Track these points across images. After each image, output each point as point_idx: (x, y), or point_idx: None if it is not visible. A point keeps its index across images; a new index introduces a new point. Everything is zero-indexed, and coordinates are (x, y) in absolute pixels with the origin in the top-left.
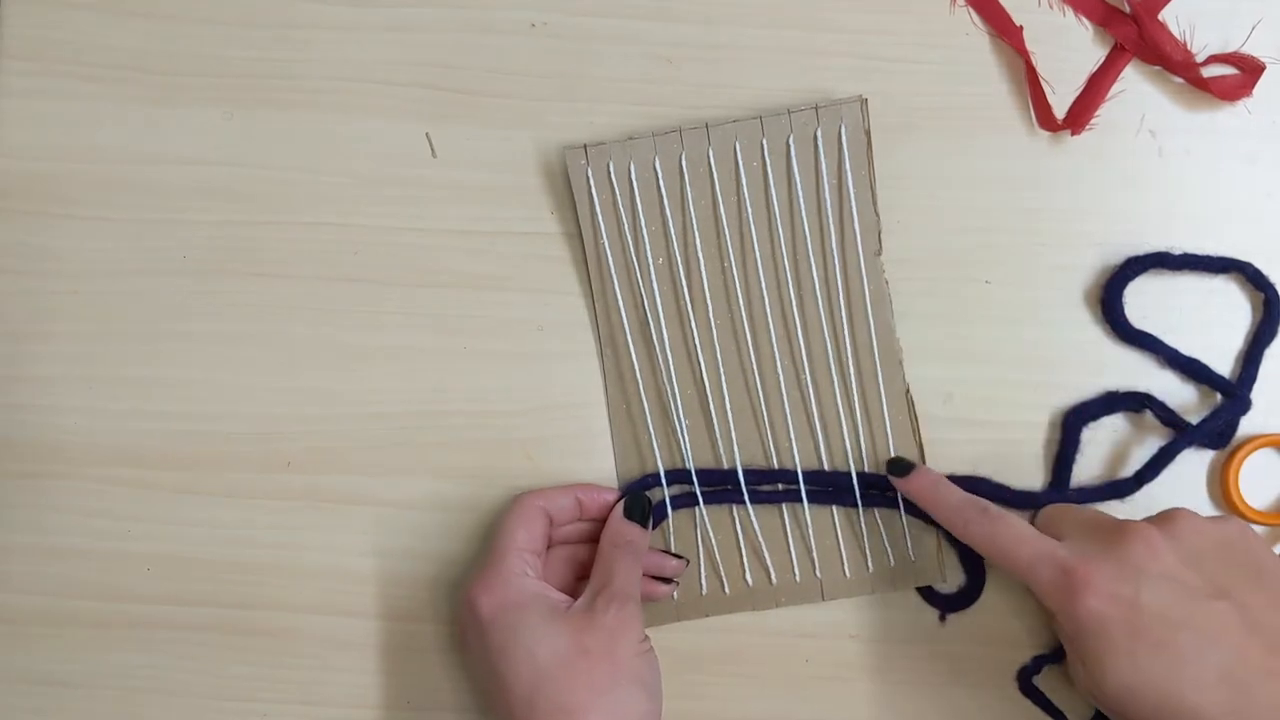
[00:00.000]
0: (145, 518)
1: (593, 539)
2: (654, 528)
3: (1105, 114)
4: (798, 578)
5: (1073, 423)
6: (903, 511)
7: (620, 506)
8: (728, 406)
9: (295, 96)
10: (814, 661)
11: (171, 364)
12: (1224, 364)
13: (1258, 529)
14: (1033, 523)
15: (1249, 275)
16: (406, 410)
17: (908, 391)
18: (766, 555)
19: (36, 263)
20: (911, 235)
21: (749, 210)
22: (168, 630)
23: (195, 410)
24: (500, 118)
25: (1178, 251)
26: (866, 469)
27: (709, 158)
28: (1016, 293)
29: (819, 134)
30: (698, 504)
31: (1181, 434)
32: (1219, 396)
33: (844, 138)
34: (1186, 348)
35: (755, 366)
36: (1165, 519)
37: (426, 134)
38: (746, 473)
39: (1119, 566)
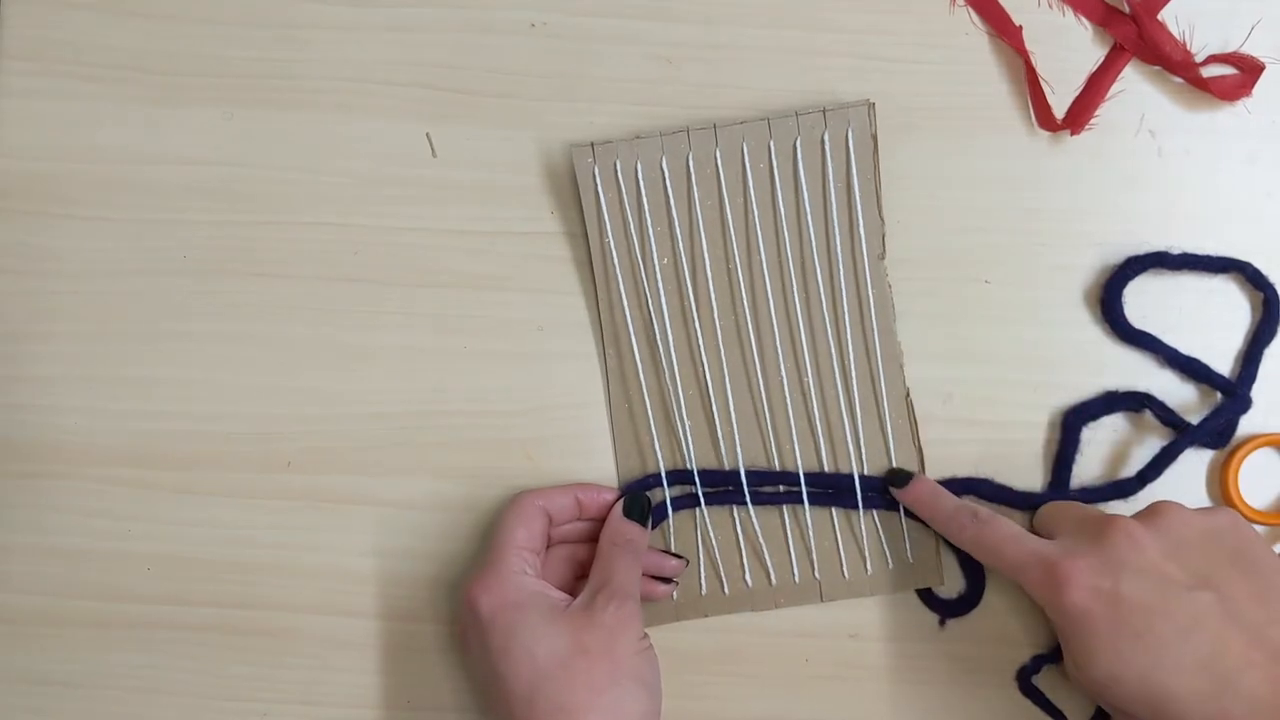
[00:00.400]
0: (145, 518)
1: (592, 538)
2: (654, 528)
3: (1105, 114)
4: (797, 579)
5: (1073, 423)
6: (902, 514)
7: (620, 505)
8: (730, 407)
9: (295, 96)
10: (814, 661)
11: (171, 364)
12: (1224, 364)
13: (1258, 529)
14: (1030, 523)
15: (1249, 275)
16: (406, 410)
17: (908, 395)
18: (766, 556)
19: (36, 263)
20: (911, 235)
21: (755, 211)
22: (168, 630)
23: (195, 410)
24: (500, 118)
25: (1177, 251)
26: (867, 471)
27: (716, 158)
28: (1016, 293)
29: (826, 137)
30: (699, 504)
31: (1182, 434)
32: (1219, 396)
33: (851, 141)
34: (1186, 347)
35: (758, 368)
36: (1151, 512)
37: (426, 134)
38: (747, 473)
39: (1101, 560)
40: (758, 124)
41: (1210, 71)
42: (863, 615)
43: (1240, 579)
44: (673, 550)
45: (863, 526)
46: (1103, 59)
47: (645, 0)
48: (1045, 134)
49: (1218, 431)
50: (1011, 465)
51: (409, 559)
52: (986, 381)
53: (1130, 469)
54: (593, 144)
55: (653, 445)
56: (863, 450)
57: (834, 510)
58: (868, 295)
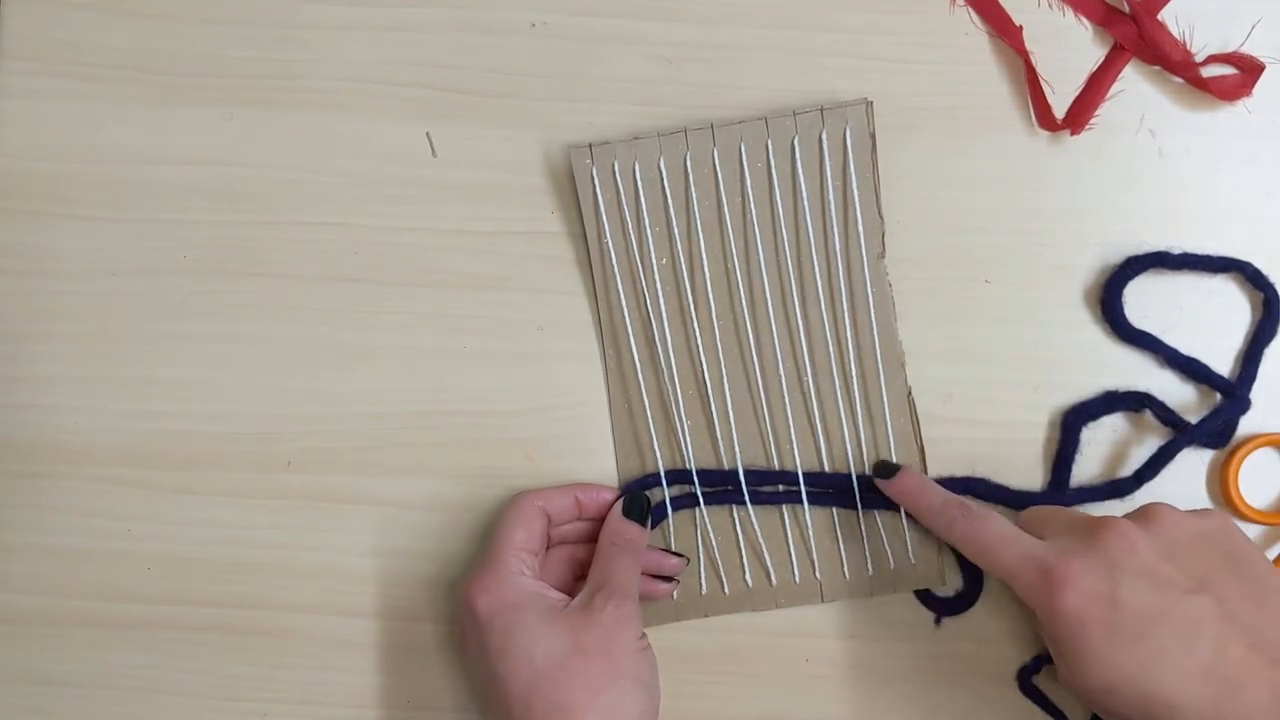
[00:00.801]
0: (145, 518)
1: (592, 538)
2: (653, 527)
3: (1105, 114)
4: (797, 579)
5: (1072, 422)
6: (904, 514)
7: (619, 505)
8: (729, 407)
9: (295, 96)
10: (814, 661)
11: (171, 364)
12: (1224, 364)
13: (1259, 529)
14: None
15: (1249, 275)
16: (406, 410)
17: (909, 394)
18: (766, 556)
19: (36, 263)
20: (911, 235)
21: (753, 211)
22: (168, 630)
23: (195, 410)
24: (500, 118)
25: (1177, 251)
26: (867, 471)
27: (714, 158)
28: (1016, 293)
29: (824, 135)
30: (698, 504)
31: (1181, 433)
32: (1218, 396)
33: (849, 140)
34: (1186, 347)
35: (757, 367)
36: (1144, 514)
37: (427, 134)
38: (747, 473)
39: (1096, 563)
40: (755, 124)
41: (1210, 71)
42: (863, 615)
43: (1235, 582)
44: (673, 549)
45: (863, 526)
46: (1103, 59)
47: (645, 0)
48: (1045, 134)
49: (1217, 431)
50: (1011, 465)
51: (409, 559)
52: (986, 381)
53: (1130, 469)
54: (591, 145)
55: (652, 445)
56: (862, 450)
57: (835, 510)
58: (867, 294)
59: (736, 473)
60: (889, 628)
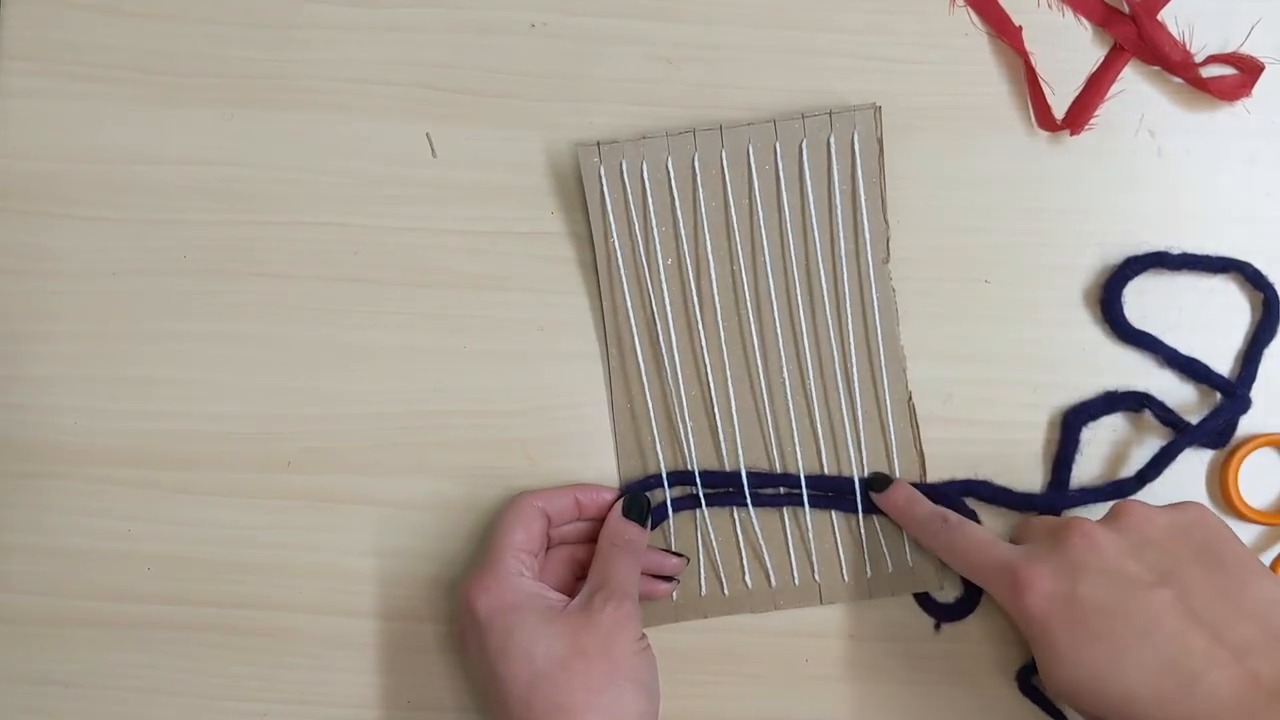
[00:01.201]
0: (145, 518)
1: (592, 539)
2: (654, 528)
3: (1104, 114)
4: (796, 581)
5: (1072, 423)
6: None
7: (619, 505)
8: (732, 409)
9: (295, 96)
10: (814, 661)
11: (171, 364)
12: (1224, 364)
13: (1258, 529)
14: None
15: (1248, 275)
16: (406, 410)
17: (910, 399)
18: (766, 558)
19: (36, 263)
20: (912, 235)
21: (759, 213)
22: (168, 630)
23: (195, 410)
24: (500, 118)
25: (1177, 251)
26: (868, 474)
27: (721, 159)
28: (1016, 293)
29: (832, 140)
30: (699, 505)
31: (1181, 434)
32: (1218, 396)
33: (856, 144)
34: (1186, 347)
35: (761, 369)
36: (1113, 513)
37: (427, 134)
38: (748, 475)
39: (1058, 564)
40: (764, 125)
41: (1210, 71)
42: (862, 615)
43: (1204, 575)
44: (673, 550)
45: (863, 530)
46: (1102, 59)
47: (645, 0)
48: (1045, 134)
49: (1217, 431)
50: (1011, 465)
51: (409, 559)
52: (986, 381)
53: (1130, 469)
54: (599, 144)
55: (654, 446)
56: (864, 453)
57: (834, 513)
58: (871, 298)
59: (738, 474)
60: (889, 628)
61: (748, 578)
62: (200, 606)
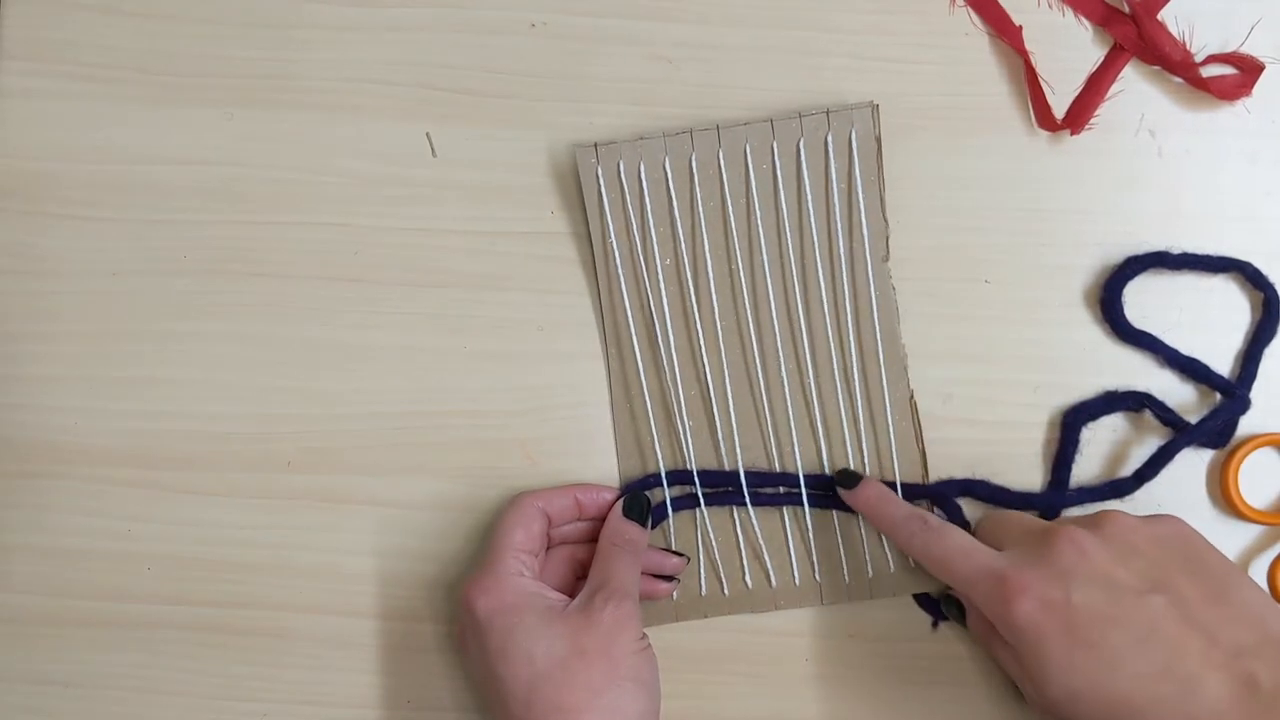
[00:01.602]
0: (145, 518)
1: (592, 538)
2: (654, 527)
3: (1105, 114)
4: (797, 581)
5: (1072, 422)
6: None
7: (619, 505)
8: (731, 408)
9: (295, 96)
10: (814, 661)
11: (171, 364)
12: (1224, 364)
13: (1258, 529)
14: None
15: (1248, 275)
16: (406, 410)
17: (911, 397)
18: (766, 558)
19: (36, 263)
20: (911, 235)
21: (758, 213)
22: (168, 630)
23: (195, 410)
24: (500, 118)
25: (1177, 251)
26: (868, 474)
27: (719, 159)
28: (1016, 293)
29: (829, 138)
30: (699, 505)
31: (1181, 433)
32: (1218, 396)
33: (854, 143)
34: (1186, 347)
35: (760, 369)
36: (1095, 521)
37: (427, 134)
38: (748, 474)
39: (1048, 571)
40: (761, 125)
41: (1210, 71)
42: (863, 615)
43: (1191, 581)
44: (673, 549)
45: (863, 530)
46: (1103, 59)
47: (645, 0)
48: (1045, 134)
49: (1217, 431)
50: (1011, 465)
51: (409, 559)
52: (986, 381)
53: (1130, 469)
54: (596, 144)
55: (653, 445)
56: (864, 453)
57: (835, 513)
58: (870, 297)
59: (738, 474)
60: (889, 628)
61: (748, 578)
62: (200, 606)
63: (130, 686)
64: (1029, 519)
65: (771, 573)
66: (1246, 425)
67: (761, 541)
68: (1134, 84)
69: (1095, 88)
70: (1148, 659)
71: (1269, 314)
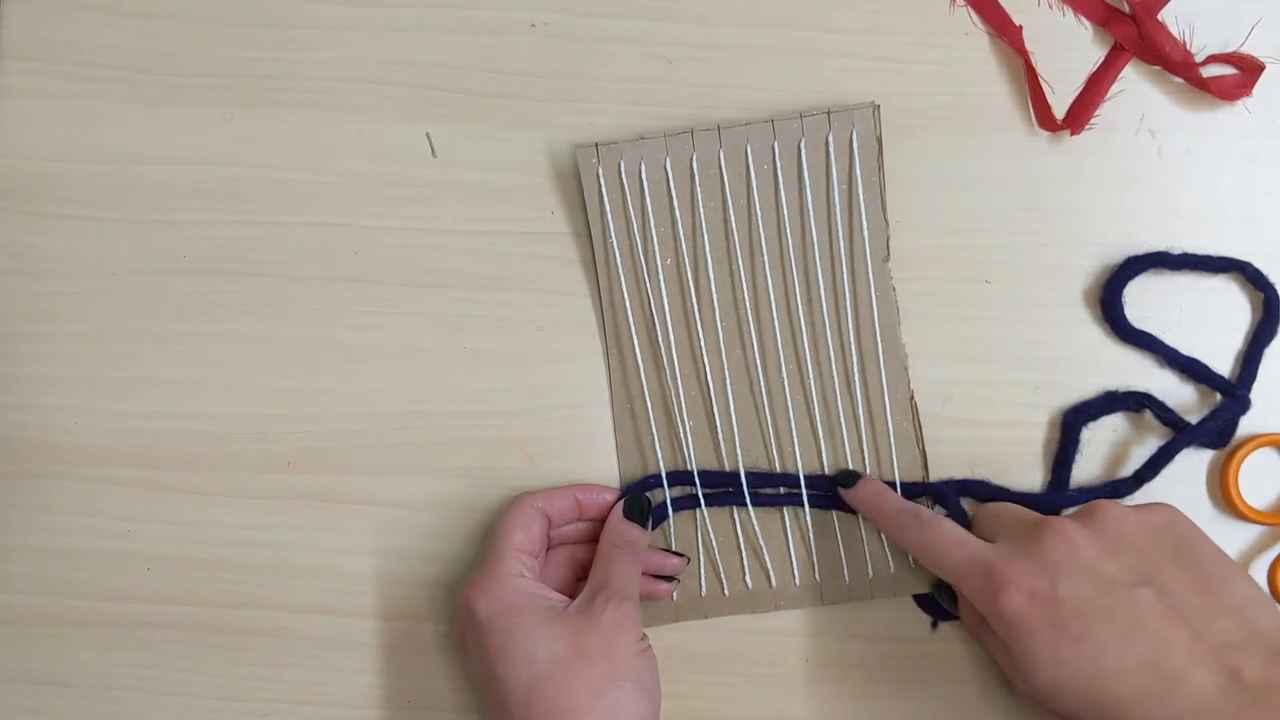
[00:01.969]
0: (145, 518)
1: (592, 539)
2: (654, 528)
3: (1105, 114)
4: (797, 581)
5: (1072, 423)
6: None
7: (620, 506)
8: (731, 409)
9: (295, 96)
10: (814, 661)
11: (171, 364)
12: (1224, 364)
13: (1258, 529)
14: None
15: (1249, 275)
16: (406, 410)
17: (912, 398)
18: (767, 558)
19: (36, 263)
20: (911, 235)
21: (758, 213)
22: (168, 630)
23: (195, 410)
24: (500, 118)
25: (1177, 251)
26: (869, 474)
27: (719, 159)
28: (1016, 293)
29: (830, 139)
30: (699, 505)
31: (1181, 433)
32: (1218, 396)
33: (855, 143)
34: (1186, 347)
35: (760, 369)
36: (1087, 512)
37: (427, 134)
38: (748, 475)
39: (1036, 563)
40: (762, 125)
41: (1210, 71)
42: (863, 615)
43: (1181, 573)
44: (673, 549)
45: (863, 530)
46: (1103, 59)
47: (645, 0)
48: (1045, 134)
49: (1217, 431)
50: (1011, 465)
51: (408, 559)
52: (986, 382)
53: (1130, 469)
54: (597, 145)
55: (654, 445)
56: (864, 453)
57: (835, 513)
58: (870, 297)
59: (738, 474)
60: (889, 628)
61: (748, 578)
62: (200, 606)
63: (130, 686)
64: (1022, 511)
65: (772, 573)
66: (1246, 425)
67: (762, 542)
68: (1134, 84)
69: (1095, 88)
70: (1133, 652)
71: (1269, 314)
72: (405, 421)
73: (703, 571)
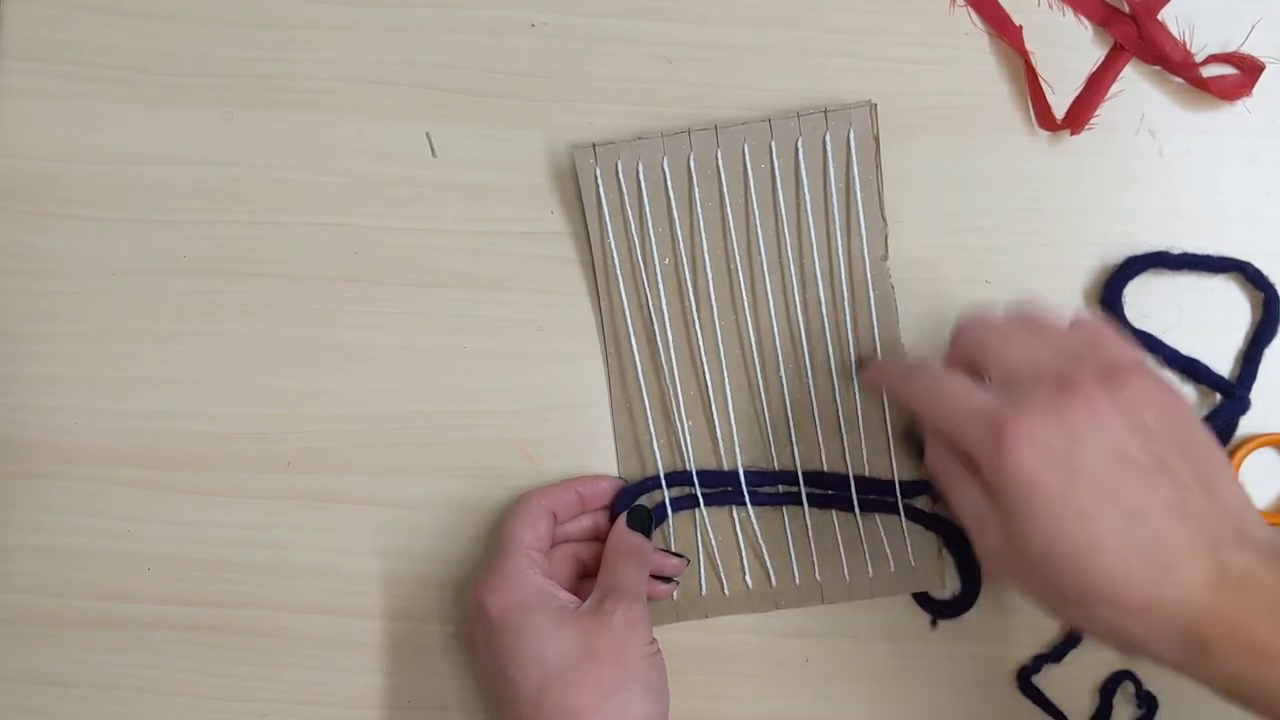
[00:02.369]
0: (145, 518)
1: (594, 537)
2: (655, 527)
3: (1105, 114)
4: (798, 580)
5: None
6: (903, 517)
7: (623, 518)
8: (730, 408)
9: (295, 96)
10: (814, 661)
11: (171, 364)
12: (1224, 364)
13: None
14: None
15: (1249, 275)
16: (406, 410)
17: None
18: (767, 558)
19: (36, 263)
20: (911, 235)
21: (756, 212)
22: (168, 630)
23: (195, 410)
24: (500, 118)
25: (1177, 251)
26: (868, 473)
27: (717, 159)
28: (1016, 293)
29: (827, 138)
30: (699, 505)
31: None
32: (1218, 396)
33: (852, 142)
34: (1186, 347)
35: (759, 368)
36: (1113, 377)
37: (427, 134)
38: (747, 474)
39: (1056, 425)
40: (759, 125)
41: (1210, 71)
42: (863, 615)
43: (1189, 466)
44: (673, 550)
45: (862, 529)
46: (1103, 59)
47: (645, 0)
48: (1045, 134)
49: (1217, 431)
50: None
51: (408, 559)
52: None
53: None
54: (594, 145)
55: (652, 445)
56: (862, 453)
57: (835, 512)
58: (869, 296)
59: (737, 473)
60: (889, 628)
61: (748, 577)
62: (200, 606)
63: (130, 686)
64: (1034, 350)
65: (772, 572)
66: (1246, 425)
67: (761, 542)
68: (1134, 84)
69: (1095, 88)
70: (1135, 539)
71: (1269, 314)
72: (405, 421)
73: (703, 571)
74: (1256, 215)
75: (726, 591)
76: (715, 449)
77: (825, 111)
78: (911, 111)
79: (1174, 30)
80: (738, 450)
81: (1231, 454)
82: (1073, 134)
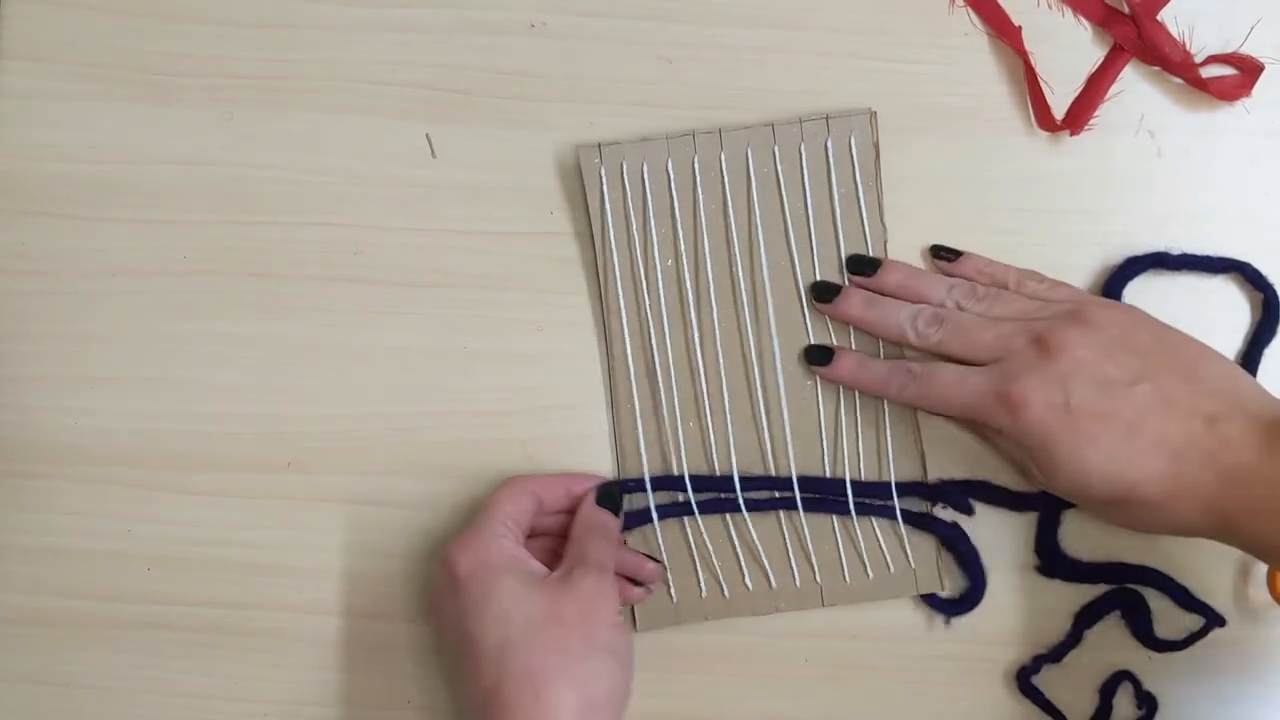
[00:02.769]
0: (145, 518)
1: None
2: (629, 528)
3: (1104, 114)
4: (798, 583)
5: None
6: (900, 519)
7: (592, 495)
8: (727, 411)
9: (295, 96)
10: (814, 661)
11: (171, 364)
12: None
13: None
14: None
15: (1248, 275)
16: (406, 410)
17: None
18: (765, 561)
19: (36, 263)
20: (911, 235)
21: (758, 216)
22: (168, 630)
23: (195, 410)
24: (500, 118)
25: (1177, 251)
26: (865, 477)
27: (720, 162)
28: None
29: (829, 144)
30: (692, 511)
31: None
32: None
33: (854, 148)
34: None
35: (758, 370)
36: (1074, 318)
37: (426, 134)
38: (741, 479)
39: (1047, 378)
40: (762, 129)
41: (1210, 71)
42: (863, 615)
43: (1165, 364)
44: (657, 556)
45: (859, 532)
46: (1102, 59)
47: (645, 0)
48: (1045, 134)
49: None
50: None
51: (409, 559)
52: None
53: None
54: (600, 145)
55: (652, 446)
56: (860, 456)
57: (834, 516)
58: None
59: (731, 478)
60: (889, 628)
61: (748, 580)
62: (199, 607)
63: (130, 686)
64: (997, 327)
65: (771, 575)
66: None
67: (759, 545)
68: (1134, 84)
69: (1095, 88)
70: (1140, 443)
71: (1269, 314)
72: (405, 421)
73: (701, 574)
74: (1256, 216)
75: (727, 594)
76: (712, 451)
77: (827, 118)
78: (911, 112)
79: (1173, 31)
80: (733, 454)
81: None
82: (1072, 134)
